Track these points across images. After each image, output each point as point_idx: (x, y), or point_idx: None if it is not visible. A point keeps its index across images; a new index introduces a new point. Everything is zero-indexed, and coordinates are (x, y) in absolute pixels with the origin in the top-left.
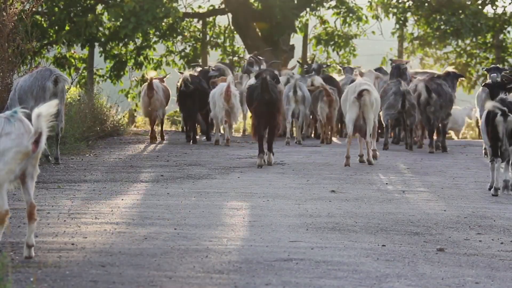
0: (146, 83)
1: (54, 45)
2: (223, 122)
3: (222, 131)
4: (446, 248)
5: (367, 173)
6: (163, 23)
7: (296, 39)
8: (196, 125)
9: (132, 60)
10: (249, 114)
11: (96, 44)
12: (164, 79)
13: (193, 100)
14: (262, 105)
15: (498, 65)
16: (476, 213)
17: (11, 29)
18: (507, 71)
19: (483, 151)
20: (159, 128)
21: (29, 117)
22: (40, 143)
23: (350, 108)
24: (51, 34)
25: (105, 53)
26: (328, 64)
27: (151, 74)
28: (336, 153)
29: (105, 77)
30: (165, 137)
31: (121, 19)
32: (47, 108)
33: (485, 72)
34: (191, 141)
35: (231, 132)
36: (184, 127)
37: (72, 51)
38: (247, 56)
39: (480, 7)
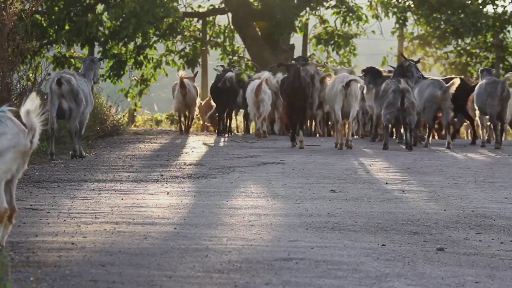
0: (178, 82)
1: (54, 45)
2: (255, 117)
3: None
4: (446, 248)
5: (367, 173)
6: (163, 23)
7: (296, 39)
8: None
9: (132, 60)
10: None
11: (96, 43)
12: (195, 78)
13: (228, 96)
14: (292, 91)
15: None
16: (476, 212)
17: (11, 29)
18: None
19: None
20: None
21: (18, 114)
22: (34, 139)
23: (337, 97)
24: (51, 33)
25: (104, 53)
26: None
27: (181, 73)
28: (336, 152)
29: (104, 77)
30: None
31: (121, 19)
32: (31, 103)
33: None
34: (225, 132)
35: (264, 125)
36: (218, 120)
37: (72, 51)
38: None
39: (480, 6)
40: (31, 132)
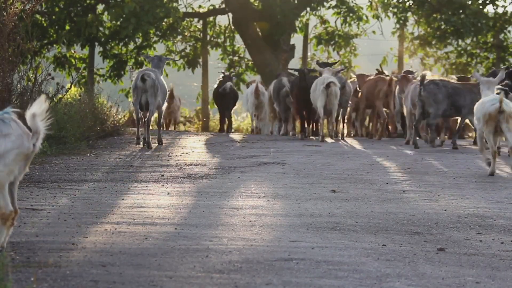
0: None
1: (54, 45)
2: (253, 115)
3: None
4: (446, 248)
5: (367, 173)
6: (164, 23)
7: (296, 39)
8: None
9: (132, 60)
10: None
11: (96, 43)
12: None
13: (228, 100)
14: (300, 91)
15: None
16: (477, 212)
17: (11, 29)
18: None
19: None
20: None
21: (21, 116)
22: (37, 143)
23: (319, 97)
24: (51, 33)
25: (104, 52)
26: None
27: (171, 85)
28: (337, 153)
29: (105, 77)
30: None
31: (121, 19)
32: (39, 106)
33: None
34: (226, 132)
35: (260, 123)
36: (220, 121)
37: (72, 51)
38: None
39: (480, 6)
40: (35, 136)
